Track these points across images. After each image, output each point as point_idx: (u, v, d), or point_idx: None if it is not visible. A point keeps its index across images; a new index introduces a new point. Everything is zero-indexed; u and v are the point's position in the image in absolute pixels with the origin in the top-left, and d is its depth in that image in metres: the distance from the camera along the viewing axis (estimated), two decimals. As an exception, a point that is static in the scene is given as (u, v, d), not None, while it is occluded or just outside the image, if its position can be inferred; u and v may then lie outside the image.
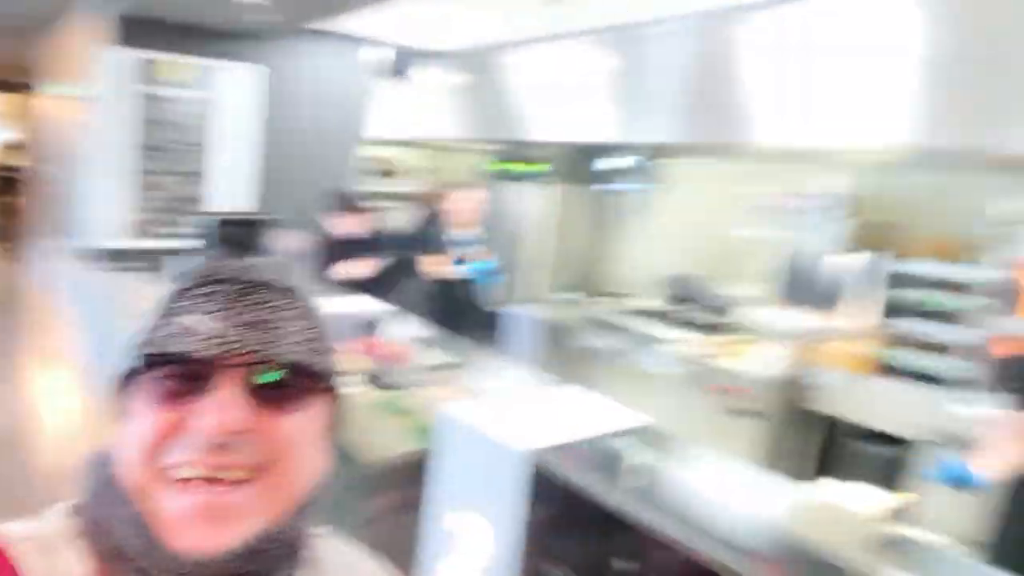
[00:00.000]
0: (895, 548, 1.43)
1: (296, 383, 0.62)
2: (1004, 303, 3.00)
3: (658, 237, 5.11)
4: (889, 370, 3.42)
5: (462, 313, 4.44)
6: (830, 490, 1.55)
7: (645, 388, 3.98)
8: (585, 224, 5.35)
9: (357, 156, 5.98)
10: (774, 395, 3.41)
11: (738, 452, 3.41)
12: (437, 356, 3.20)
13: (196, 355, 0.59)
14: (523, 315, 4.92)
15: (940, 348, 3.28)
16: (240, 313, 0.61)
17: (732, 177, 4.57)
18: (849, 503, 1.54)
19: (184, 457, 0.57)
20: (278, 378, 0.60)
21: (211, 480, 0.56)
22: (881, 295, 3.62)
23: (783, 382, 3.44)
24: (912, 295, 3.40)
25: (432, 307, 4.43)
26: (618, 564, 1.44)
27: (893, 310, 3.46)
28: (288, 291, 0.65)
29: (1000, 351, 3.01)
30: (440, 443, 1.78)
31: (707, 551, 1.30)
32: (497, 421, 1.69)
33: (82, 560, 0.59)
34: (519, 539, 1.52)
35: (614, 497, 1.46)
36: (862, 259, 3.75)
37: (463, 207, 4.43)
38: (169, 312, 0.63)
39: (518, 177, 5.38)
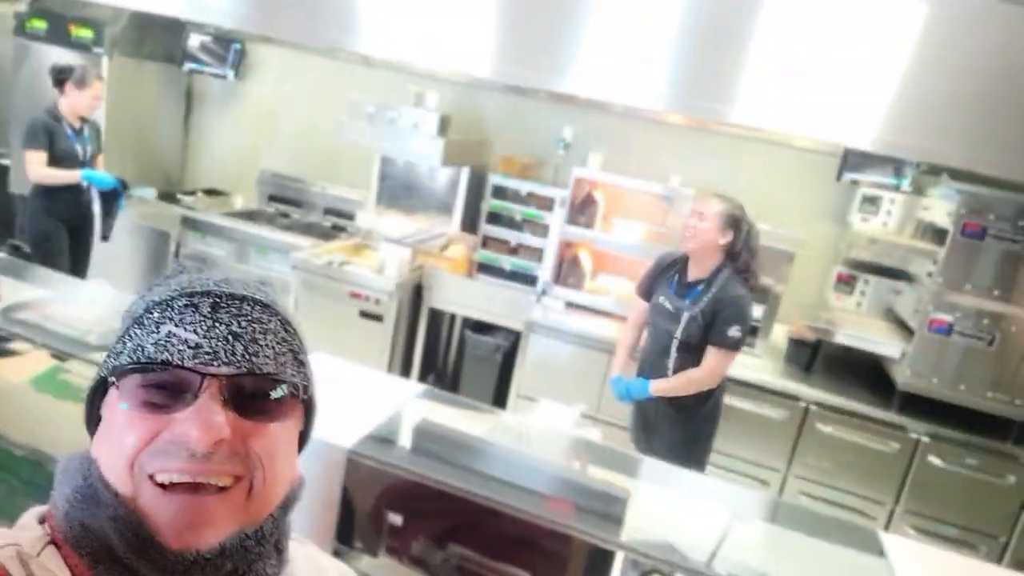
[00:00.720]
0: (587, 449, 1.83)
1: (275, 395, 0.64)
2: (580, 214, 3.78)
3: (248, 131, 4.80)
4: (485, 269, 4.01)
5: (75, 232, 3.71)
6: (535, 410, 1.86)
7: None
8: (152, 108, 4.65)
9: None
10: (396, 296, 3.70)
11: (371, 352, 3.68)
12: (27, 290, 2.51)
13: (180, 364, 0.60)
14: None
15: (526, 250, 3.98)
16: (222, 324, 0.62)
17: (330, 76, 4.52)
18: (549, 419, 1.87)
19: (168, 465, 0.58)
20: (258, 389, 0.63)
21: (194, 486, 0.59)
22: (477, 205, 4.16)
23: (403, 284, 3.74)
24: (503, 205, 3.99)
25: (32, 222, 3.60)
26: (391, 518, 1.54)
27: (487, 218, 4.01)
28: (266, 306, 0.66)
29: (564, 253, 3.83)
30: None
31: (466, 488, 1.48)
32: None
33: (60, 566, 0.59)
34: (332, 531, 1.49)
35: (407, 463, 1.53)
36: (457, 172, 4.22)
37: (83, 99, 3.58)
38: (148, 322, 0.63)
39: (58, 40, 4.33)
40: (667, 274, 2.79)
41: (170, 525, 0.58)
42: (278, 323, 0.66)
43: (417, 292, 3.88)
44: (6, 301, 2.29)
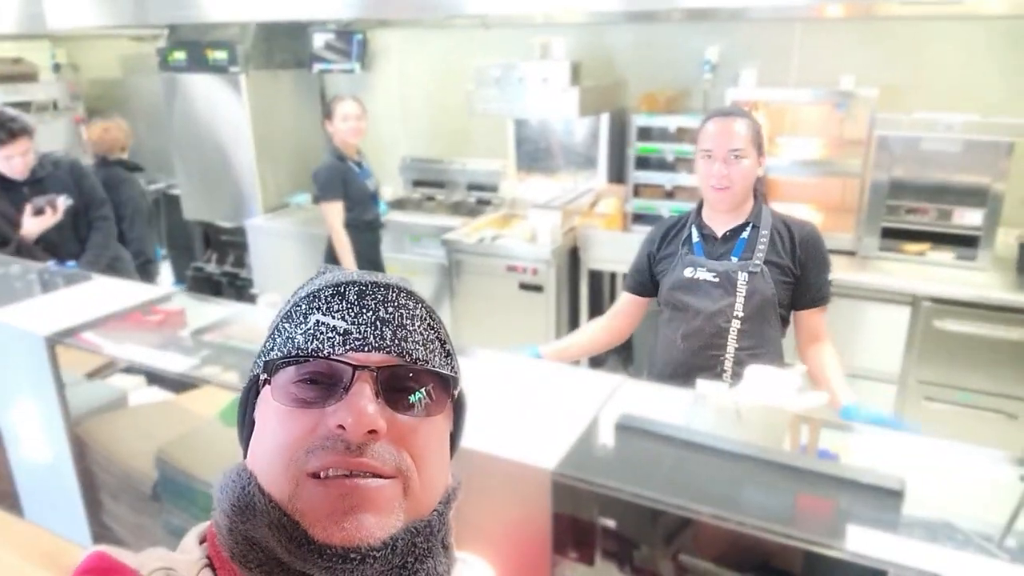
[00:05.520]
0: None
1: (425, 386, 0.62)
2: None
3: (383, 120, 4.80)
4: (641, 220, 3.73)
5: None
6: (743, 378, 1.56)
7: (433, 280, 3.86)
8: (293, 115, 4.76)
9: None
10: (553, 264, 3.53)
11: (535, 325, 3.56)
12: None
13: (330, 353, 0.59)
14: (265, 229, 4.36)
15: (683, 192, 3.65)
16: (368, 311, 0.62)
17: (452, 47, 4.39)
18: (762, 390, 1.55)
19: (324, 460, 0.57)
20: (409, 383, 0.61)
21: (352, 477, 0.57)
22: (622, 152, 3.87)
23: (558, 250, 3.56)
24: (650, 147, 3.67)
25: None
26: (603, 523, 1.36)
27: (635, 164, 3.71)
28: (411, 294, 0.66)
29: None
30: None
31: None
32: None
33: None
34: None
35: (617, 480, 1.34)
36: (596, 121, 3.94)
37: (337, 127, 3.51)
38: (295, 315, 0.64)
39: (197, 67, 4.52)
40: (675, 243, 1.99)
41: (329, 516, 0.56)
42: (424, 310, 0.66)
43: (574, 255, 3.69)
44: (192, 326, 2.39)
